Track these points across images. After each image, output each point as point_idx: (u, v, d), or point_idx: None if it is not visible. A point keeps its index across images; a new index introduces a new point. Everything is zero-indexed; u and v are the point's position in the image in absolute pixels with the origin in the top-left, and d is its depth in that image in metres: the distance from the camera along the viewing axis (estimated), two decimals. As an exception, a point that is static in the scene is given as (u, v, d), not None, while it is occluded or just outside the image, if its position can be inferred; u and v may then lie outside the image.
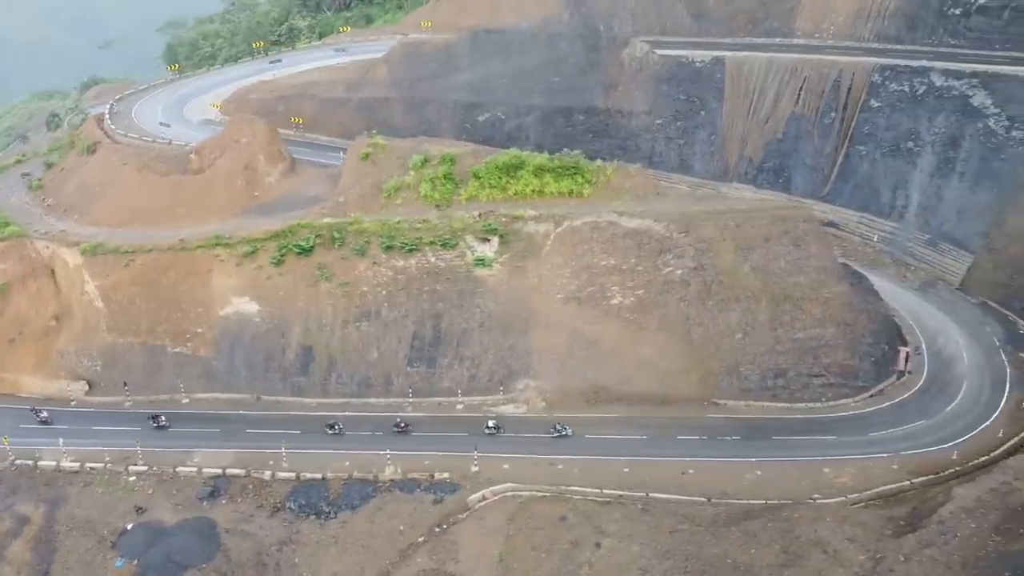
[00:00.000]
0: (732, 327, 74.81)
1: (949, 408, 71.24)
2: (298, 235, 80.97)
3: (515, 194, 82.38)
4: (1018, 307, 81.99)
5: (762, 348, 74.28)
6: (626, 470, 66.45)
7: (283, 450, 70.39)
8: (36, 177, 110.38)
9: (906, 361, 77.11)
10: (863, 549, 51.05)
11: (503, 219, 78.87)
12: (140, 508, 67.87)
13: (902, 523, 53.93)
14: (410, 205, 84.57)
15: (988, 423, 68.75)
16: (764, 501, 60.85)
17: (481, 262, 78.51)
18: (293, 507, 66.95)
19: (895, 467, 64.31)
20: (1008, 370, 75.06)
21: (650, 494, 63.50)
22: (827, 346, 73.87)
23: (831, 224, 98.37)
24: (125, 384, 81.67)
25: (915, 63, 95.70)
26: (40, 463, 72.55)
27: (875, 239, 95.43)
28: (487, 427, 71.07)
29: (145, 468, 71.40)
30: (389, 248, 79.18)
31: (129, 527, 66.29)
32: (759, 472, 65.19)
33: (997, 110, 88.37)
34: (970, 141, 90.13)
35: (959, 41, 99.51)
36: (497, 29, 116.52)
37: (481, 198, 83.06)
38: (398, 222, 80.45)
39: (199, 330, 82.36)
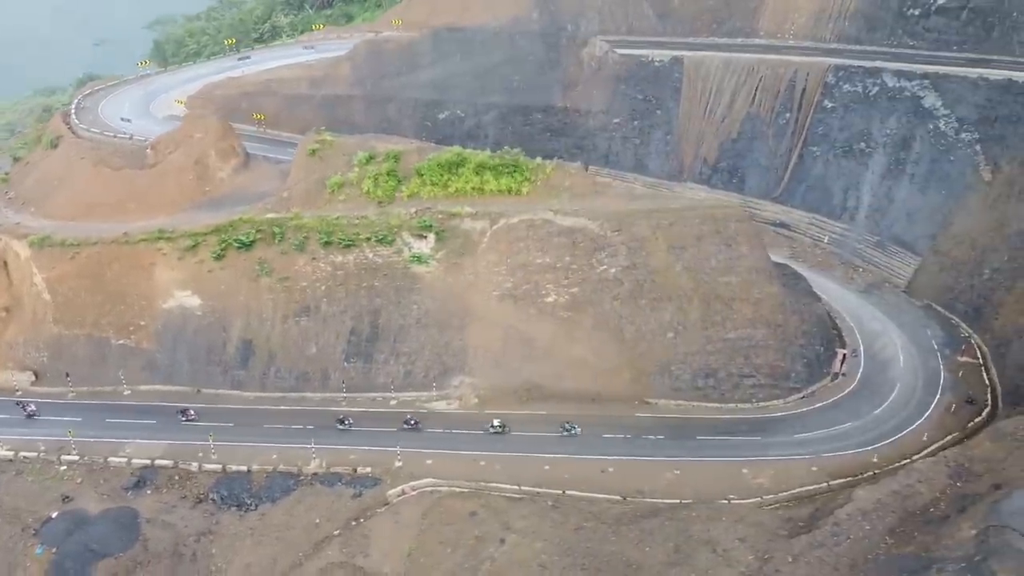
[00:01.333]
0: (664, 326, 74.72)
1: (878, 411, 70.89)
2: (239, 230, 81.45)
3: (456, 191, 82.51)
4: (961, 310, 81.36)
5: (693, 348, 74.15)
6: (547, 468, 66.53)
7: (211, 442, 70.89)
8: (3, 171, 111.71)
9: (842, 363, 76.78)
10: (752, 549, 50.94)
11: (440, 216, 79.09)
12: (67, 497, 68.59)
13: (800, 524, 53.81)
14: (353, 202, 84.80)
15: (914, 426, 68.45)
16: (677, 501, 60.80)
17: (418, 259, 78.74)
18: (216, 498, 67.56)
19: (814, 469, 64.16)
20: (942, 373, 74.60)
21: (566, 491, 63.64)
22: (758, 347, 73.63)
23: (782, 225, 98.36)
24: (67, 375, 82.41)
25: (868, 64, 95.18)
26: (-24, 452, 73.43)
27: (825, 240, 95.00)
28: (492, 426, 70.47)
29: (77, 458, 72.12)
30: (327, 244, 79.55)
31: (54, 515, 66.99)
32: (678, 472, 65.12)
33: (947, 111, 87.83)
34: (920, 143, 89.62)
35: (917, 42, 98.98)
36: (459, 27, 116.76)
37: (422, 195, 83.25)
38: (337, 218, 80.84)
39: (142, 323, 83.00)
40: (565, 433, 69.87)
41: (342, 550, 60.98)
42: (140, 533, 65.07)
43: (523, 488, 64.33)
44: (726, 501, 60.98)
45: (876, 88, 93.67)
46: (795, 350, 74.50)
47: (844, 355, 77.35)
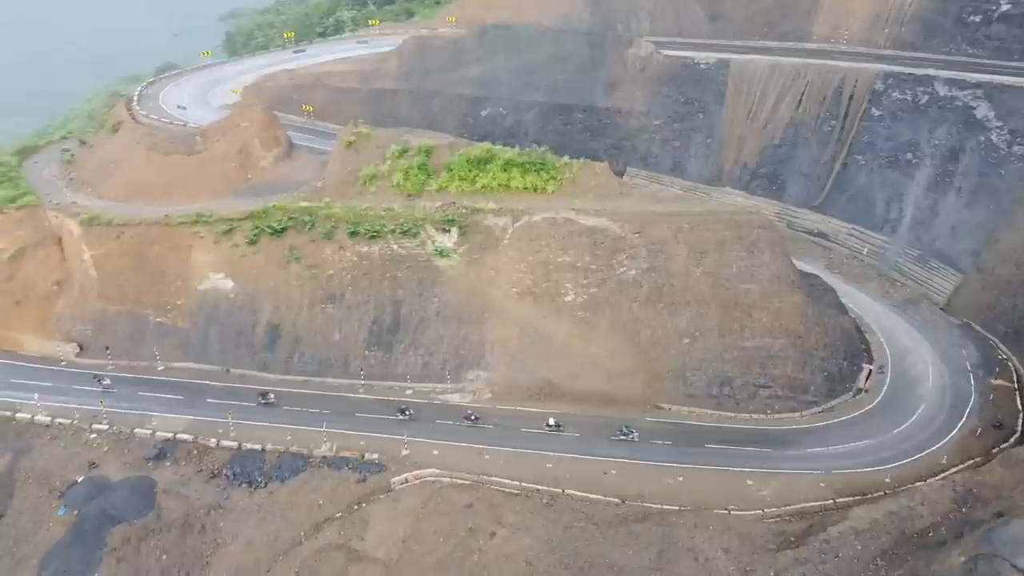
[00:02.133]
0: (681, 331, 73.84)
1: (898, 430, 68.40)
2: (272, 217, 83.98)
3: (483, 187, 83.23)
4: (1001, 331, 77.72)
5: (709, 354, 73.04)
6: (549, 465, 66.63)
7: (230, 420, 73.43)
8: (71, 152, 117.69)
9: (867, 379, 74.39)
10: (735, 561, 50.00)
11: (464, 211, 79.92)
12: (93, 463, 72.22)
13: (792, 539, 52.57)
14: (383, 193, 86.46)
15: (934, 448, 65.72)
16: (676, 507, 60.03)
17: (440, 252, 79.78)
18: (228, 474, 70.01)
19: (822, 485, 62.41)
20: (972, 396, 71.45)
21: (565, 490, 63.57)
22: (776, 357, 72.02)
23: (820, 235, 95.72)
24: (107, 348, 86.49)
25: (919, 71, 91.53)
26: (18, 415, 77.91)
27: (864, 252, 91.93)
28: (548, 424, 70.35)
29: (106, 427, 75.80)
30: (354, 234, 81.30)
31: (79, 480, 70.66)
32: (681, 478, 64.32)
33: (1000, 123, 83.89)
34: (970, 155, 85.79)
35: (976, 50, 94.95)
36: (505, 25, 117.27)
37: (450, 189, 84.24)
38: (364, 209, 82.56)
39: (179, 302, 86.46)
40: (623, 437, 68.71)
41: (340, 532, 62.49)
42: (155, 502, 67.98)
43: (523, 484, 64.57)
44: (725, 511, 59.99)
45: (926, 97, 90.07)
46: (816, 362, 72.51)
47: (870, 371, 74.87)
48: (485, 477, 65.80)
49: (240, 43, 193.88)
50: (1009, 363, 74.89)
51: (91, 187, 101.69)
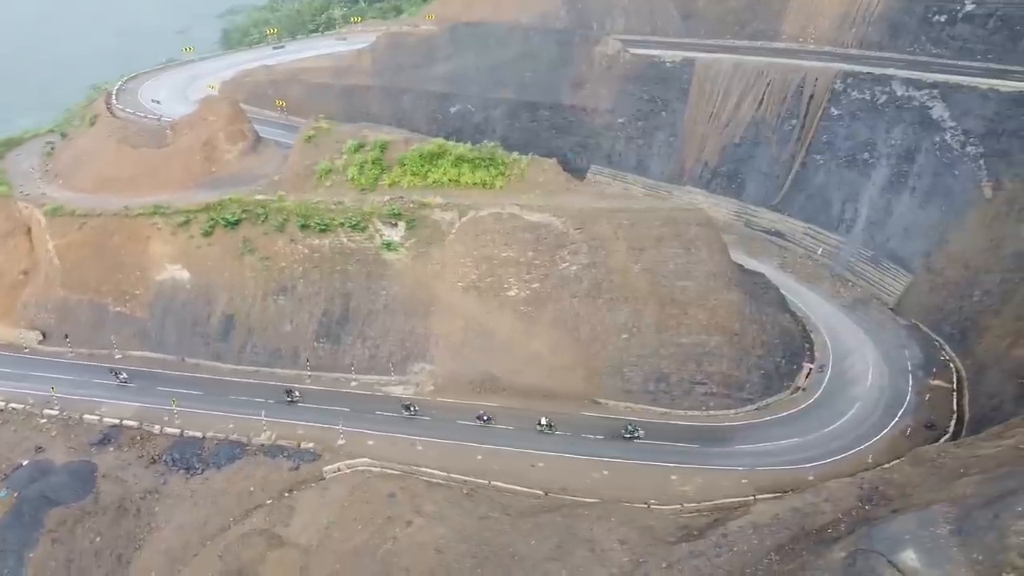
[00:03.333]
0: (618, 327, 74.17)
1: (829, 428, 68.37)
2: (227, 209, 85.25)
3: (434, 182, 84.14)
4: (948, 332, 77.31)
5: (646, 351, 73.31)
6: (479, 457, 67.24)
7: (175, 408, 74.80)
8: (51, 145, 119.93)
9: (806, 377, 74.40)
10: (629, 552, 50.43)
11: (411, 205, 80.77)
12: (40, 448, 73.76)
13: (695, 532, 52.86)
14: (338, 188, 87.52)
15: (862, 447, 65.70)
16: (594, 500, 60.54)
17: (388, 246, 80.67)
18: (168, 460, 71.22)
19: (744, 482, 62.58)
20: (909, 396, 71.28)
21: (492, 482, 64.20)
22: (711, 354, 72.17)
23: (777, 234, 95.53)
24: (66, 336, 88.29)
25: (878, 71, 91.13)
26: (-26, 400, 79.79)
27: (819, 252, 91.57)
28: (539, 424, 69.29)
29: (57, 412, 77.33)
30: (305, 227, 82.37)
31: (24, 463, 72.21)
32: (606, 472, 64.74)
33: (954, 123, 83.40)
34: (925, 155, 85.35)
35: (940, 50, 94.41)
36: (476, 22, 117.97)
37: (403, 184, 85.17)
38: (316, 203, 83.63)
39: (137, 292, 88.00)
40: (627, 436, 67.42)
41: (266, 518, 63.46)
42: (94, 486, 69.32)
43: (451, 475, 65.22)
44: (645, 505, 60.43)
45: (884, 96, 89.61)
46: (752, 360, 72.63)
47: (810, 369, 74.83)
48: (415, 468, 66.48)
49: (236, 40, 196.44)
50: (951, 364, 74.43)
51: (63, 179, 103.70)
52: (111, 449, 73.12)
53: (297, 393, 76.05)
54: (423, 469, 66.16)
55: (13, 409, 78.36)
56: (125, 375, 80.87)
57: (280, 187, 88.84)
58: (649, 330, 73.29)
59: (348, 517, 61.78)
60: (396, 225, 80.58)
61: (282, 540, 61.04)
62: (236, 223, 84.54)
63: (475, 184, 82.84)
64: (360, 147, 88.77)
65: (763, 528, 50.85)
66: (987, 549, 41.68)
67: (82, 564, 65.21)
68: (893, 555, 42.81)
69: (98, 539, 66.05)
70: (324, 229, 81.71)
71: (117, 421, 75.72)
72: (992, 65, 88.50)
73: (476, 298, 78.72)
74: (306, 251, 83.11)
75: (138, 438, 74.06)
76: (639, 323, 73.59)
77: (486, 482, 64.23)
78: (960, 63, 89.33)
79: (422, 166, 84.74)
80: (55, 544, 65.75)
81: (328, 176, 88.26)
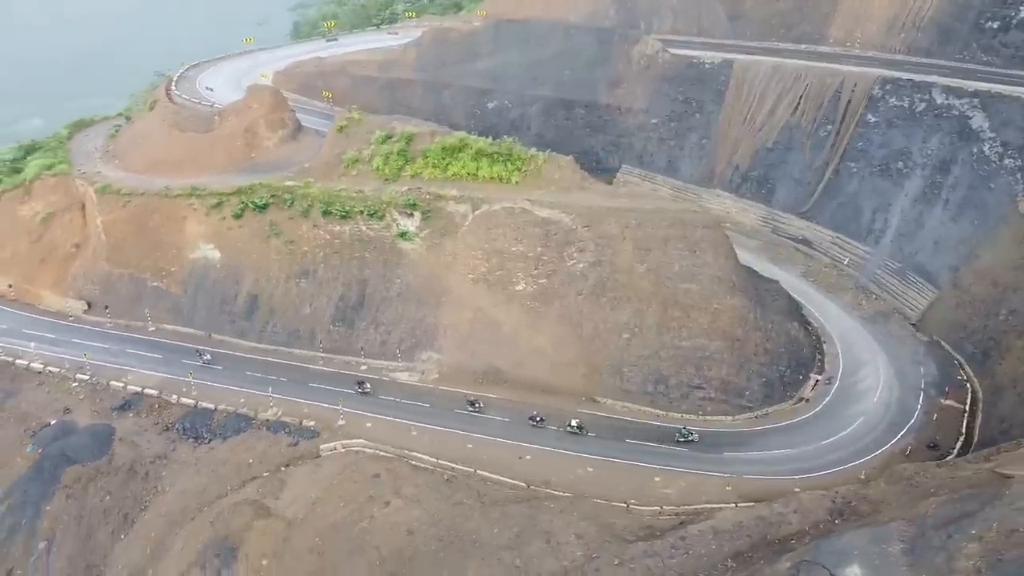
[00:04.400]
0: (620, 326, 74.05)
1: (827, 441, 66.68)
2: (257, 193, 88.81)
3: (453, 175, 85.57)
4: (969, 351, 74.10)
5: (647, 352, 72.98)
6: (470, 446, 68.36)
7: (191, 379, 78.64)
8: (116, 128, 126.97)
9: (812, 388, 72.71)
10: (584, 546, 50.60)
11: (427, 196, 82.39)
12: (67, 409, 79.02)
13: (656, 533, 52.64)
14: (364, 177, 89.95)
15: (857, 463, 63.85)
16: (566, 494, 60.89)
17: (404, 235, 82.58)
18: (179, 429, 75.14)
19: (728, 488, 61.81)
20: (916, 414, 68.75)
21: (477, 471, 65.16)
22: (711, 359, 71.31)
23: (804, 241, 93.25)
24: (106, 307, 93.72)
25: (918, 77, 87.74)
26: (17, 361, 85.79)
27: (845, 262, 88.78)
28: (569, 426, 68.76)
29: (87, 378, 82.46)
30: (327, 213, 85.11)
31: (52, 422, 77.44)
32: (591, 469, 64.93)
33: (993, 134, 79.73)
34: (961, 166, 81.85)
35: (991, 57, 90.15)
36: (518, 19, 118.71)
37: (424, 176, 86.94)
38: (339, 190, 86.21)
39: (173, 269, 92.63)
40: (681, 439, 66.79)
41: (259, 489, 66.21)
42: (110, 448, 73.81)
43: (439, 461, 66.51)
44: (624, 504, 60.36)
45: (923, 104, 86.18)
46: (753, 367, 71.39)
47: (816, 380, 73.09)
48: (407, 452, 68.11)
49: (305, 32, 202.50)
50: (968, 384, 71.39)
51: (119, 159, 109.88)
52: (130, 415, 77.53)
53: (368, 386, 75.69)
54: (413, 453, 67.64)
55: (50, 372, 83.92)
56: (209, 356, 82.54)
57: (309, 174, 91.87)
58: (651, 331, 72.90)
59: (334, 494, 63.81)
60: (412, 215, 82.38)
61: (270, 511, 63.54)
62: (264, 207, 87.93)
63: (492, 178, 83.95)
64: (388, 138, 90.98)
65: (724, 534, 50.28)
66: (935, 570, 40.43)
67: (91, 520, 69.60)
68: (837, 569, 41.95)
69: (108, 497, 70.31)
70: (345, 216, 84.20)
71: (139, 389, 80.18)
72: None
73: (485, 291, 79.77)
74: (327, 236, 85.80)
75: (156, 406, 78.22)
76: (641, 323, 73.27)
77: (472, 470, 65.19)
78: (1007, 72, 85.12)
79: (443, 159, 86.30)
80: (68, 499, 70.39)
81: (355, 165, 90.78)
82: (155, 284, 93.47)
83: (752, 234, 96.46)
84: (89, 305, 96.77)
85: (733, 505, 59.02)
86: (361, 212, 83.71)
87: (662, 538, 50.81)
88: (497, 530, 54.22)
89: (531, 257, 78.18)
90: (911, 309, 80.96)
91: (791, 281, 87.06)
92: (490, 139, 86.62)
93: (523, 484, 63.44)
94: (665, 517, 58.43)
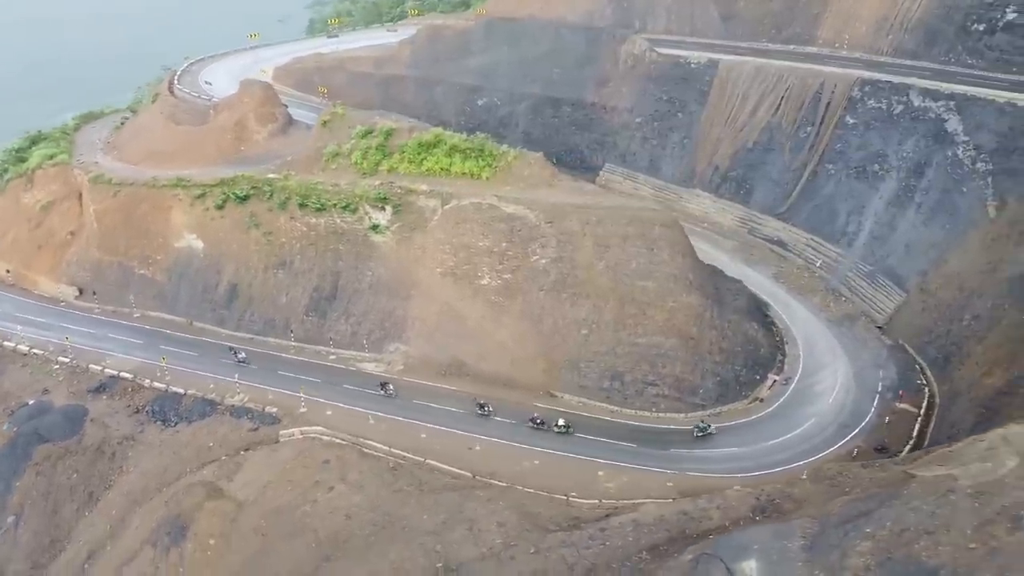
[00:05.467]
0: (579, 322, 74.66)
1: (775, 442, 66.59)
2: (238, 185, 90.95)
3: (427, 170, 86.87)
4: (932, 355, 73.39)
5: (603, 348, 73.49)
6: (423, 436, 69.49)
7: (164, 364, 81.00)
8: (123, 120, 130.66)
9: (769, 389, 72.71)
10: (503, 534, 51.50)
11: (398, 191, 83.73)
12: (46, 390, 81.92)
13: (581, 524, 53.35)
14: (343, 171, 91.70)
15: (802, 463, 63.54)
16: (509, 486, 61.80)
17: (376, 228, 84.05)
18: (149, 412, 77.46)
19: (669, 484, 61.94)
20: (868, 417, 68.37)
21: (427, 460, 66.34)
22: (666, 356, 71.62)
23: (779, 243, 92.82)
24: (95, 293, 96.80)
25: (896, 79, 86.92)
26: (5, 343, 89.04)
27: (818, 264, 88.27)
28: (557, 426, 68.50)
29: (68, 360, 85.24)
30: (303, 206, 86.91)
31: (30, 402, 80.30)
32: (537, 462, 65.67)
33: (967, 138, 78.77)
34: (935, 170, 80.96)
35: (976, 60, 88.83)
36: (510, 18, 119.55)
37: (400, 171, 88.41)
38: (315, 184, 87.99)
39: (159, 257, 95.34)
40: (700, 433, 67.01)
41: (215, 472, 68.07)
42: (82, 429, 76.41)
43: (391, 450, 67.78)
44: (564, 497, 61.08)
45: (901, 107, 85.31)
46: (707, 366, 71.57)
47: (774, 381, 73.06)
48: (361, 439, 69.49)
49: (319, 29, 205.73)
50: (926, 388, 70.79)
51: (118, 150, 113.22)
52: (104, 397, 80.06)
53: (392, 388, 74.92)
54: (368, 441, 68.93)
55: (35, 354, 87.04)
56: (243, 354, 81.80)
57: (291, 167, 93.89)
58: (608, 328, 73.42)
59: (285, 478, 65.43)
60: (384, 209, 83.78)
61: (222, 493, 65.30)
62: (245, 199, 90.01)
63: (464, 174, 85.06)
64: (368, 133, 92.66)
65: (644, 527, 50.83)
66: (829, 567, 40.73)
67: (58, 497, 72.15)
68: (733, 563, 42.41)
69: (75, 476, 72.85)
70: (320, 209, 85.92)
71: (116, 373, 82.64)
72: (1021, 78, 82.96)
73: (452, 284, 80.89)
74: (304, 229, 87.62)
75: (129, 389, 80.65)
76: (599, 320, 73.83)
77: (421, 459, 66.36)
78: (988, 75, 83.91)
79: (418, 154, 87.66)
80: (38, 476, 73.10)
81: (335, 159, 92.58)
82: (142, 272, 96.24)
83: (729, 235, 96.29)
84: (80, 291, 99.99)
85: (671, 500, 59.51)
86: (335, 205, 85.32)
87: (582, 529, 51.46)
88: (427, 516, 55.36)
89: (496, 252, 79.11)
90: (878, 312, 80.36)
91: (762, 282, 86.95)
92: (464, 135, 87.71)
93: (469, 474, 64.51)
94: (598, 510, 59.13)
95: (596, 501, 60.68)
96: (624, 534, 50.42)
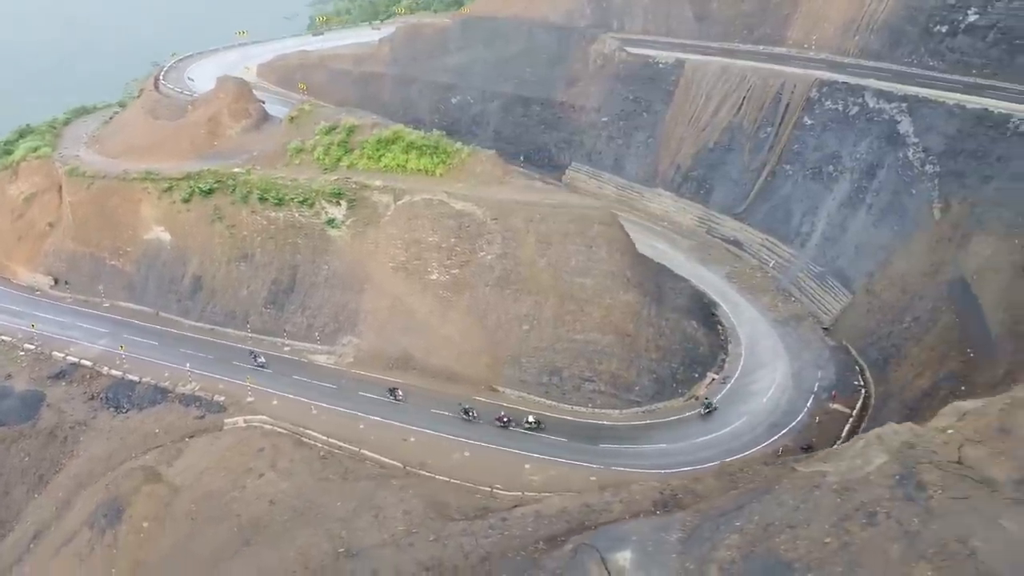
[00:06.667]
0: (521, 318, 75.59)
1: (703, 439, 67.15)
2: (204, 179, 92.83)
3: (385, 166, 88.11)
4: (874, 357, 73.37)
5: (543, 344, 74.38)
6: (361, 427, 70.84)
7: (123, 352, 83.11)
8: (116, 113, 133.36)
9: (706, 387, 73.18)
10: (406, 522, 52.64)
11: (353, 186, 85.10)
12: (9, 375, 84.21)
13: (488, 514, 54.32)
14: (306, 167, 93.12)
15: (726, 461, 63.94)
16: (430, 476, 63.12)
17: (331, 223, 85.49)
18: (104, 398, 79.56)
19: (593, 479, 62.71)
20: (800, 417, 68.65)
21: (362, 450, 67.73)
22: (602, 353, 72.35)
23: (736, 243, 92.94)
24: (66, 282, 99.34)
25: (853, 80, 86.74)
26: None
27: (771, 264, 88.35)
28: (527, 422, 68.67)
29: (34, 348, 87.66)
30: (263, 200, 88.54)
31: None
32: (467, 453, 66.83)
33: (917, 139, 78.58)
34: (887, 172, 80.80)
35: (936, 62, 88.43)
36: (486, 17, 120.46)
37: (359, 167, 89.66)
38: (275, 178, 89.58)
39: (129, 249, 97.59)
40: (705, 411, 69.18)
41: (156, 457, 69.89)
42: (38, 413, 78.66)
43: (329, 440, 69.20)
44: (488, 488, 62.17)
45: (856, 108, 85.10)
46: (643, 363, 72.18)
47: (713, 379, 73.51)
48: (301, 429, 70.99)
49: (319, 26, 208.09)
50: (863, 390, 70.90)
51: (100, 144, 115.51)
52: (63, 384, 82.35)
53: (401, 393, 73.96)
54: (306, 431, 70.46)
55: (3, 340, 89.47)
56: (263, 359, 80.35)
57: (256, 162, 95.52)
58: (548, 324, 74.28)
59: (221, 465, 67.02)
60: (339, 204, 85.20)
61: (160, 477, 66.97)
62: (210, 192, 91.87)
63: (419, 170, 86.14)
64: (331, 130, 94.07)
65: (545, 518, 51.79)
66: (698, 558, 41.44)
67: (9, 479, 74.46)
68: (608, 553, 43.19)
69: (27, 459, 75.07)
70: (279, 203, 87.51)
71: (77, 360, 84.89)
72: (979, 80, 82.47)
73: (403, 279, 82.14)
74: (264, 222, 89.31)
75: (88, 376, 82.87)
76: (540, 316, 74.72)
77: (356, 449, 67.76)
78: (947, 76, 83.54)
79: (377, 150, 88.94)
80: (-9, 458, 75.28)
81: (299, 155, 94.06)
82: (113, 263, 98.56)
83: (688, 234, 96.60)
84: (56, 281, 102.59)
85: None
86: (293, 200, 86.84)
87: (485, 519, 52.43)
88: (340, 503, 56.65)
89: (445, 248, 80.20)
90: (825, 313, 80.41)
91: (715, 281, 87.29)
92: (423, 132, 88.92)
93: (399, 464, 65.82)
94: (508, 501, 60.12)
95: (519, 493, 61.82)
96: (525, 524, 51.39)
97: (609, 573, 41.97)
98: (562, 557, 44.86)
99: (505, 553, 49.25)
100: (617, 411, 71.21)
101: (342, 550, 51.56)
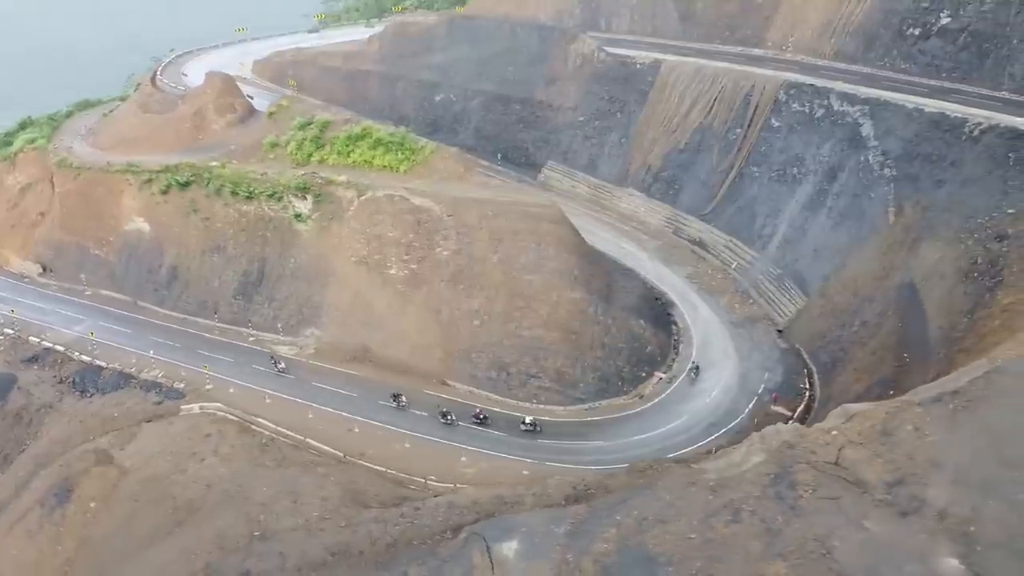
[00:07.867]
0: (472, 313, 76.55)
1: (640, 437, 67.57)
2: (181, 172, 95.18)
3: (353, 162, 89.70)
4: (823, 360, 73.14)
5: (492, 339, 75.27)
6: (310, 416, 72.45)
7: (93, 338, 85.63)
8: (113, 109, 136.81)
9: (652, 386, 73.54)
10: (323, 508, 53.88)
11: (319, 181, 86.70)
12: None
13: (404, 503, 55.45)
14: (279, 161, 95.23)
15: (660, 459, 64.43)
16: (374, 466, 64.52)
17: (298, 217, 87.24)
18: (71, 382, 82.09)
19: (525, 473, 63.70)
20: (740, 417, 68.74)
21: (307, 439, 69.33)
22: (548, 350, 73.04)
23: (700, 244, 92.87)
24: (51, 271, 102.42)
25: (820, 83, 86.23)
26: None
27: (733, 266, 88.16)
28: (523, 423, 68.43)
29: (12, 332, 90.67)
30: (235, 193, 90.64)
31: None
32: (407, 445, 68.04)
33: (876, 142, 78.06)
34: (848, 174, 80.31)
35: (908, 65, 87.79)
36: (471, 15, 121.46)
37: (329, 162, 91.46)
38: (247, 172, 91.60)
39: (111, 239, 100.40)
40: (694, 374, 73.86)
41: (110, 441, 72.02)
42: (7, 396, 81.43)
43: (277, 428, 70.91)
44: (423, 479, 63.45)
45: (822, 110, 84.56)
46: (589, 361, 72.74)
47: (660, 379, 73.85)
48: (252, 416, 72.77)
49: (328, 25, 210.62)
50: (807, 393, 70.81)
51: (94, 137, 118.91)
52: (35, 367, 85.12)
53: (404, 399, 72.86)
54: (256, 418, 72.25)
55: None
56: (283, 364, 79.37)
57: (234, 156, 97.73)
58: (497, 319, 75.16)
59: (168, 449, 68.91)
60: (305, 198, 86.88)
61: (111, 459, 69.04)
62: (186, 185, 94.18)
63: (385, 167, 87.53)
64: (306, 125, 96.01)
65: (456, 508, 52.49)
66: (579, 551, 41.95)
67: (-24, 458, 77.12)
68: (494, 542, 43.90)
69: (-7, 439, 77.75)
70: (249, 196, 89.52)
71: (51, 345, 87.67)
72: (946, 84, 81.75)
73: (365, 273, 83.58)
74: (236, 215, 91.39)
75: (59, 361, 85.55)
76: (490, 312, 75.61)
77: (301, 438, 69.35)
78: (908, 79, 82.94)
79: (347, 146, 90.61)
80: (-41, 439, 78.13)
81: (274, 149, 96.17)
82: (96, 252, 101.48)
83: (656, 234, 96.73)
84: (44, 268, 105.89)
85: (521, 487, 61.17)
86: (262, 193, 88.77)
87: (398, 507, 53.50)
88: (266, 488, 58.10)
89: (404, 243, 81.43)
90: (780, 316, 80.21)
91: (675, 282, 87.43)
92: (392, 128, 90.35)
93: (340, 454, 67.30)
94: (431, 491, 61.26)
95: (451, 485, 62.94)
96: (435, 514, 52.21)
97: (492, 562, 42.71)
98: (455, 545, 45.70)
99: (411, 541, 50.16)
100: (562, 408, 71.83)
101: (257, 533, 52.97)
